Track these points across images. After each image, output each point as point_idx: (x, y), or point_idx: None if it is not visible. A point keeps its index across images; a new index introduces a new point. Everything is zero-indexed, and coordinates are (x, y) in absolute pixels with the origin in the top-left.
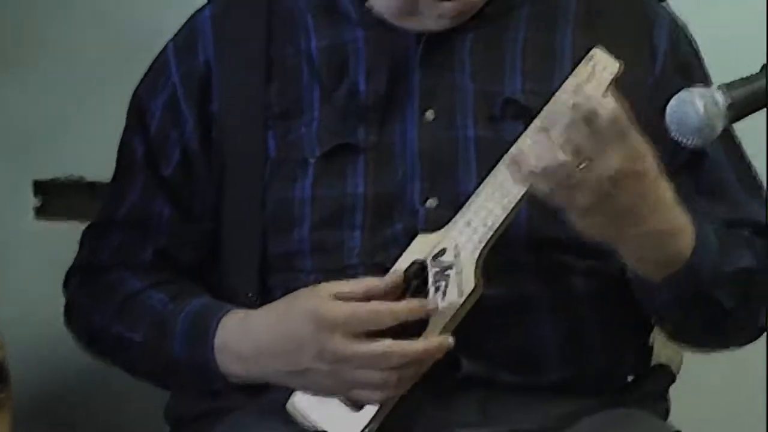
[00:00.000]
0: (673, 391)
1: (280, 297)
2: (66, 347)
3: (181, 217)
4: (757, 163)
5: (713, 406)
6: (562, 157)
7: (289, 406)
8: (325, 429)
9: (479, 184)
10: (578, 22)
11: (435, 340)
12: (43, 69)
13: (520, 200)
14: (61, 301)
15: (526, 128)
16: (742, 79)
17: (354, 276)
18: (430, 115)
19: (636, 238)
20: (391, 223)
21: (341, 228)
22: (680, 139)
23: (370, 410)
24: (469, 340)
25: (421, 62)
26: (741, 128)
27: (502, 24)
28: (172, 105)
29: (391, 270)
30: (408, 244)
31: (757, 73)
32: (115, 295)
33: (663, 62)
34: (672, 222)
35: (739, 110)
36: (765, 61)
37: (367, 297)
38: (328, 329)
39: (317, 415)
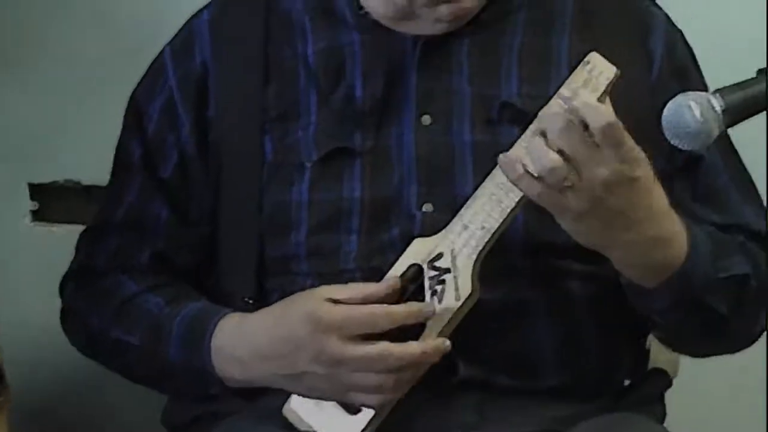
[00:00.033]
0: (670, 395)
1: (277, 300)
2: (63, 351)
3: (178, 220)
4: (757, 168)
5: (710, 410)
6: (556, 160)
7: (285, 410)
8: None
9: (476, 188)
10: (575, 27)
11: (432, 343)
12: (43, 69)
13: (516, 204)
14: (58, 304)
15: (522, 132)
16: (738, 83)
17: (351, 280)
18: (426, 119)
19: (628, 244)
20: (388, 227)
21: (338, 232)
22: (676, 143)
23: (366, 414)
24: (466, 344)
25: (418, 66)
26: (741, 131)
27: (498, 29)
28: (169, 108)
29: (388, 274)
30: (405, 249)
31: (753, 78)
32: (111, 299)
33: (659, 67)
34: (665, 229)
35: (735, 115)
36: (765, 63)
37: (365, 303)
38: (325, 332)
39: (314, 419)
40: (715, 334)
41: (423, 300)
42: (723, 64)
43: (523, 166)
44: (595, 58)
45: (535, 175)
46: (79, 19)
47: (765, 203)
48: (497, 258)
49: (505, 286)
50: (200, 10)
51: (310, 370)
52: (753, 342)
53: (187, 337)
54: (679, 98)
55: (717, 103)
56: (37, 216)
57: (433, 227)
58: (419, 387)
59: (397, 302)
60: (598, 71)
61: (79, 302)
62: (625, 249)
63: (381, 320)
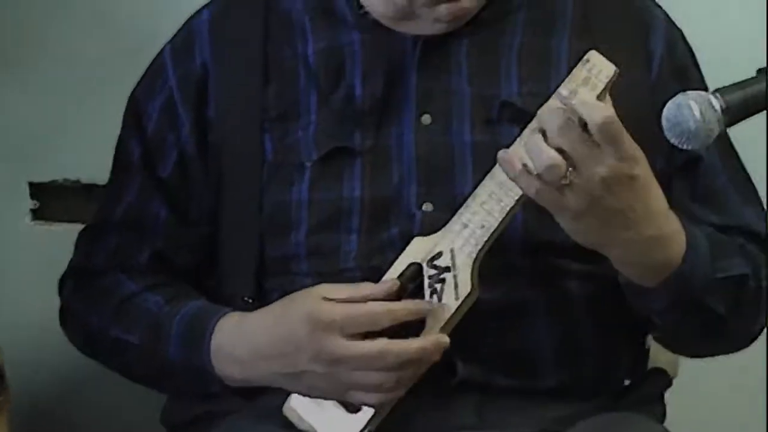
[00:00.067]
0: (670, 394)
1: (276, 300)
2: (63, 350)
3: (177, 220)
4: (757, 168)
5: (710, 410)
6: (554, 158)
7: (285, 409)
8: None
9: (475, 188)
10: (575, 28)
11: (431, 339)
12: (43, 69)
13: (516, 203)
14: (58, 303)
15: (522, 131)
16: (738, 83)
17: (351, 279)
18: (426, 119)
19: (627, 244)
20: (388, 226)
21: (338, 231)
22: (676, 142)
23: (366, 413)
24: (465, 344)
25: (418, 66)
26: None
27: (498, 29)
28: (169, 108)
29: (387, 273)
30: (404, 248)
31: (753, 77)
32: (111, 299)
33: (659, 67)
34: (663, 228)
35: (735, 114)
36: (765, 63)
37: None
38: (325, 331)
39: (314, 418)
40: (713, 334)
41: (422, 299)
42: (723, 64)
43: (523, 163)
44: (594, 56)
45: (534, 172)
46: (79, 19)
47: (765, 204)
48: (496, 257)
49: (504, 285)
50: (200, 10)
51: (309, 369)
52: (751, 342)
53: (186, 336)
54: (679, 98)
55: (717, 103)
56: (37, 215)
57: (432, 226)
58: (418, 388)
59: (397, 301)
60: (597, 69)
61: (78, 301)
62: (624, 248)
63: (381, 318)
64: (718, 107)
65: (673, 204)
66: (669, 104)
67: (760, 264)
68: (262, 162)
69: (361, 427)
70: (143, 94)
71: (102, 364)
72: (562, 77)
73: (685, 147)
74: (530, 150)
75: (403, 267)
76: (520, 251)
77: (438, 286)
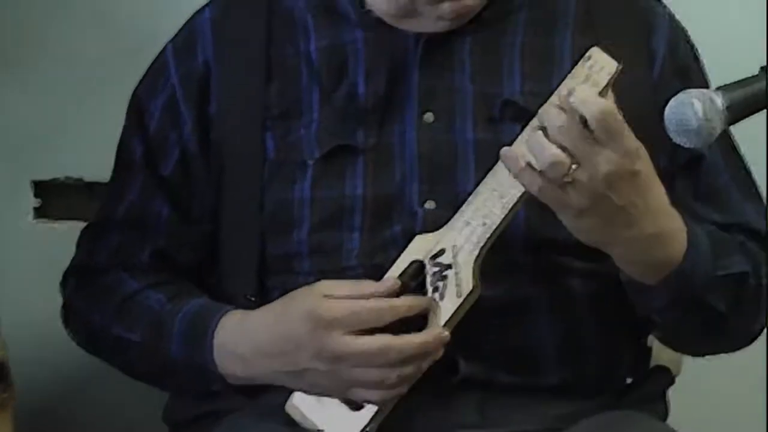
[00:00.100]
0: (673, 392)
1: (278, 298)
2: (66, 348)
3: (179, 218)
4: (758, 168)
5: (713, 408)
6: (557, 155)
7: (288, 406)
8: (324, 430)
9: (478, 185)
10: (577, 26)
11: (432, 333)
12: (43, 69)
13: (518, 200)
14: (61, 301)
15: (524, 130)
16: (740, 81)
17: (353, 277)
18: (429, 116)
19: (628, 241)
20: (390, 224)
21: (340, 229)
22: (678, 140)
23: (369, 411)
24: (467, 342)
25: (421, 63)
26: (741, 129)
27: (499, 29)
28: (171, 106)
29: (389, 271)
30: (406, 246)
31: (755, 75)
32: (113, 297)
33: (661, 66)
34: (665, 226)
35: (737, 112)
36: (765, 62)
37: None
38: (326, 328)
39: (316, 416)
40: (714, 332)
41: (425, 296)
42: (723, 64)
43: (525, 160)
44: (596, 53)
45: (537, 169)
46: (79, 19)
47: (765, 202)
48: (498, 255)
49: (506, 283)
50: (202, 8)
51: (311, 366)
52: (752, 341)
53: (188, 333)
54: (682, 96)
55: (719, 101)
56: (40, 213)
57: (435, 224)
58: (420, 386)
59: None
60: (599, 66)
61: (80, 299)
62: (626, 246)
63: (383, 314)
64: (720, 105)
65: (675, 202)
66: (671, 102)
67: (761, 262)
68: (263, 160)
69: (364, 424)
70: (145, 93)
71: (104, 361)
72: (565, 75)
73: (687, 145)
74: (533, 147)
75: (405, 265)
76: (523, 248)
77: (440, 283)
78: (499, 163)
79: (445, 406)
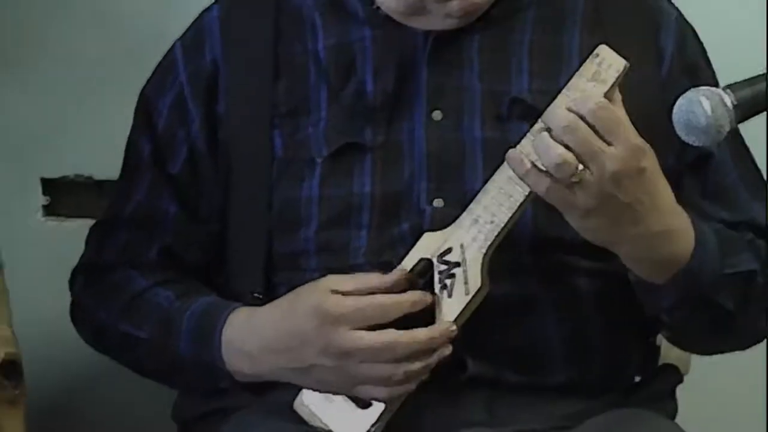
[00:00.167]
0: (682, 391)
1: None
2: (75, 345)
3: (187, 217)
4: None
5: (722, 407)
6: (563, 155)
7: (296, 404)
8: (332, 428)
9: (486, 183)
10: (585, 24)
11: (439, 328)
12: (43, 69)
13: (526, 198)
14: (69, 299)
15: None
16: (748, 79)
17: None
18: (437, 114)
19: (635, 239)
20: (398, 222)
21: (348, 227)
22: (687, 139)
23: (376, 409)
24: (474, 340)
25: (429, 61)
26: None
27: (507, 26)
28: (180, 104)
29: (397, 269)
30: (414, 244)
31: (764, 74)
32: (121, 294)
33: (670, 64)
34: (671, 223)
35: (746, 111)
36: (765, 62)
37: (371, 294)
38: (333, 324)
39: (324, 413)
40: (722, 330)
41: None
42: (723, 64)
43: (531, 161)
44: (604, 50)
45: (543, 170)
46: (79, 19)
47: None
48: (505, 254)
49: (514, 282)
50: (210, 6)
51: (318, 363)
52: (761, 339)
53: (196, 331)
54: (690, 94)
55: (728, 99)
56: (49, 210)
57: (443, 222)
58: (428, 384)
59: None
60: (607, 64)
61: (89, 297)
62: (633, 244)
63: (390, 309)
64: (729, 103)
65: (683, 201)
66: (680, 100)
67: None
68: (271, 158)
69: (372, 422)
70: (154, 91)
71: (113, 359)
72: (573, 73)
73: (695, 143)
74: (538, 147)
75: (414, 262)
76: (530, 248)
77: (448, 281)
78: (506, 162)
79: (452, 404)
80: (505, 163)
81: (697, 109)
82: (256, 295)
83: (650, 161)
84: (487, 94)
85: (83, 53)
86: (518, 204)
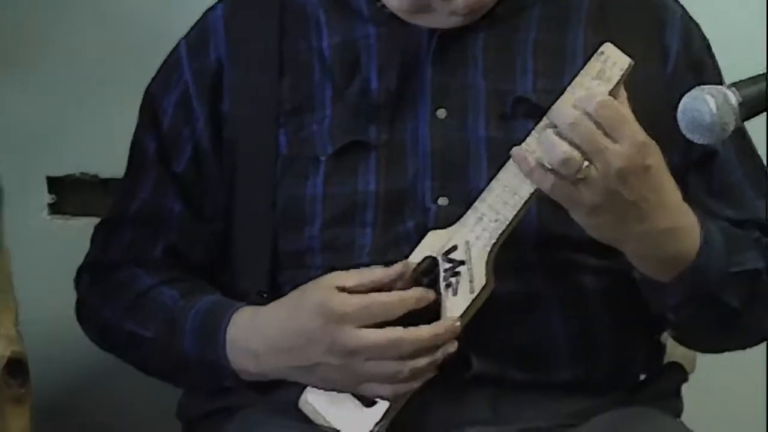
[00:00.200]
0: (687, 389)
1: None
2: (80, 343)
3: (192, 215)
4: None
5: (727, 405)
6: (568, 152)
7: (301, 403)
8: (337, 426)
9: (490, 181)
10: (590, 22)
11: (444, 324)
12: (43, 69)
13: (531, 196)
14: (75, 297)
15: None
16: (754, 77)
17: None
18: (442, 113)
19: (641, 237)
20: (402, 220)
21: (353, 225)
22: (692, 137)
23: (381, 406)
24: (479, 338)
25: (434, 59)
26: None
27: (512, 25)
28: (184, 102)
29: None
30: (419, 242)
31: (764, 73)
32: (126, 292)
33: (675, 61)
34: (677, 221)
35: (751, 109)
36: (765, 62)
37: (374, 290)
38: (338, 323)
39: (329, 412)
40: (727, 328)
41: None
42: (723, 64)
43: (536, 158)
44: (609, 48)
45: (548, 167)
46: (79, 19)
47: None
48: (511, 251)
49: (519, 279)
50: (214, 5)
51: (323, 361)
52: (767, 337)
53: (201, 330)
54: (695, 92)
55: (733, 97)
56: (54, 209)
57: (447, 220)
58: (433, 382)
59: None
60: (612, 62)
61: (94, 295)
62: (638, 241)
63: (394, 307)
64: (734, 101)
65: (688, 199)
66: (685, 98)
67: None
68: (276, 156)
69: (377, 420)
70: (158, 90)
71: (118, 357)
72: (578, 72)
73: (700, 141)
74: (544, 144)
75: (418, 260)
76: (535, 245)
77: (453, 279)
78: (511, 159)
79: (457, 401)
80: (509, 160)
81: (702, 107)
82: (260, 293)
83: (656, 158)
84: (491, 92)
85: (84, 53)
86: (523, 201)
